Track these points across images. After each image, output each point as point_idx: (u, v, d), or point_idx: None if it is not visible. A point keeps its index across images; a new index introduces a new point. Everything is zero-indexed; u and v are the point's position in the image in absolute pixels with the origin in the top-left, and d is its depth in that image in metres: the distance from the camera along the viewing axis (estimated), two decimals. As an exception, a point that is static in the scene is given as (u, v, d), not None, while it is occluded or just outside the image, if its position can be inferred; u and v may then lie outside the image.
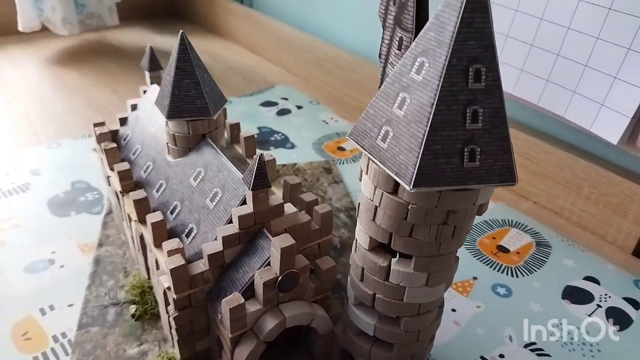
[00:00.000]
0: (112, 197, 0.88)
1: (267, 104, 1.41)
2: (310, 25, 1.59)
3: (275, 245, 0.55)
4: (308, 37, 1.55)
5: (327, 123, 1.33)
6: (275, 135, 1.26)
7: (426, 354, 0.64)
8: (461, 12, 0.41)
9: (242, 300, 0.56)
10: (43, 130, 1.22)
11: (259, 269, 0.58)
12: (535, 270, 0.87)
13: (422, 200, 0.47)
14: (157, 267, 0.67)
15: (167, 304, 0.63)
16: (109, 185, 0.83)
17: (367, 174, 0.50)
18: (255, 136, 0.80)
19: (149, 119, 0.82)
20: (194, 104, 0.69)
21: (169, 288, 0.59)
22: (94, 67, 1.57)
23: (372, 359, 0.60)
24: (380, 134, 0.47)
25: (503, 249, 0.92)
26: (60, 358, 0.67)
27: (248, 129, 0.80)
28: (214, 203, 0.64)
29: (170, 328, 0.64)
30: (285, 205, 0.61)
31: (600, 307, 0.79)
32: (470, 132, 0.44)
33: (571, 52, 0.85)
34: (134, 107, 0.88)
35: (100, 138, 0.82)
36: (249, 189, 0.56)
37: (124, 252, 0.85)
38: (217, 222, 0.62)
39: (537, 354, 0.71)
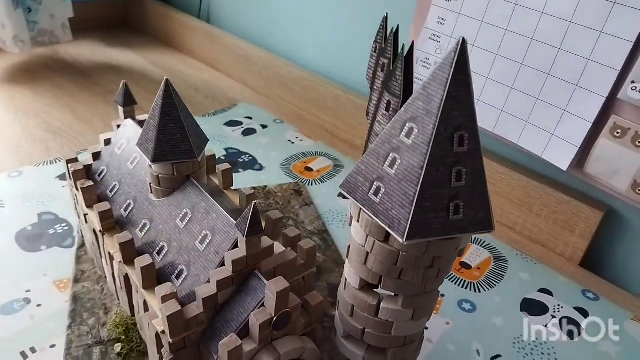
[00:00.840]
0: (86, 233, 0.88)
1: (232, 123, 1.43)
2: (270, 44, 1.62)
3: (270, 289, 0.58)
4: (270, 55, 1.57)
5: (292, 143, 1.36)
6: (243, 157, 1.28)
7: (408, 377, 0.69)
8: (447, 87, 0.45)
9: (239, 342, 0.58)
10: (1, 157, 1.18)
11: (253, 309, 0.60)
12: (495, 285, 0.94)
13: (412, 249, 0.51)
14: (146, 309, 0.68)
15: (159, 346, 0.65)
16: (85, 221, 0.83)
17: (358, 222, 0.55)
18: (223, 158, 0.82)
19: (126, 156, 0.82)
20: (179, 147, 0.70)
21: (163, 332, 0.61)
22: (49, 85, 1.52)
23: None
24: (372, 188, 0.51)
25: (465, 265, 0.99)
26: (48, 403, 0.67)
27: (215, 151, 0.82)
28: (204, 245, 0.66)
29: (164, 368, 0.66)
30: (274, 244, 0.65)
31: (555, 317, 0.87)
32: (455, 189, 0.49)
33: (524, 86, 0.93)
34: (107, 142, 0.88)
35: (75, 176, 0.82)
36: (244, 235, 0.59)
37: (102, 287, 0.85)
38: (209, 264, 0.64)
39: (503, 367, 0.78)
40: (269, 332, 0.60)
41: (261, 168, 1.24)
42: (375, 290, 0.59)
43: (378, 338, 0.59)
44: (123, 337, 0.74)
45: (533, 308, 0.89)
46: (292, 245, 0.71)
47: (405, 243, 0.48)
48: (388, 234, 0.52)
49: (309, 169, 1.25)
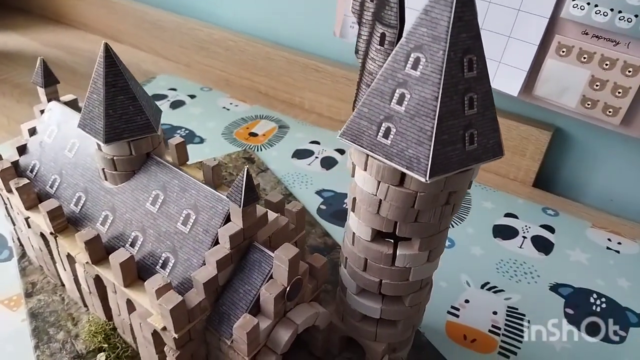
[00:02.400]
0: (27, 240, 0.76)
1: (156, 97, 1.30)
2: (181, 5, 1.48)
3: (281, 259, 0.53)
4: (182, 18, 1.44)
5: (228, 109, 1.28)
6: (179, 132, 1.18)
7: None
8: (453, 8, 0.42)
9: (256, 321, 0.54)
10: None
11: (261, 284, 0.56)
12: (465, 218, 0.96)
13: (430, 187, 0.49)
14: (131, 309, 0.61)
15: (159, 345, 0.58)
16: (28, 226, 0.71)
17: (365, 170, 0.51)
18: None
19: (60, 144, 0.71)
20: (134, 121, 0.61)
21: (164, 328, 0.54)
22: None
23: (379, 338, 0.62)
24: (381, 130, 0.48)
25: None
26: None
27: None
28: (189, 226, 0.59)
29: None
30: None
31: (526, 237, 0.91)
32: (469, 117, 0.46)
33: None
34: (32, 132, 0.75)
35: (3, 176, 0.70)
36: (240, 206, 0.53)
37: (62, 297, 0.74)
38: (200, 246, 0.58)
39: (494, 292, 0.80)
40: (282, 304, 0.56)
41: (202, 140, 1.15)
42: (387, 239, 0.57)
43: (396, 287, 0.57)
44: (105, 345, 0.66)
45: (504, 232, 0.93)
46: (278, 210, 0.66)
47: (428, 182, 0.45)
48: (402, 177, 0.49)
49: (254, 134, 1.18)
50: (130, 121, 0.61)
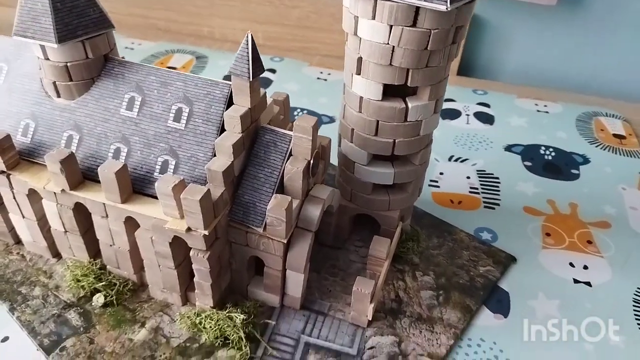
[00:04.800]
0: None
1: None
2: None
3: (303, 128, 0.50)
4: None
5: (132, 49, 1.15)
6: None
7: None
8: None
9: (289, 198, 0.50)
10: None
11: (282, 163, 0.52)
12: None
13: (443, 23, 0.49)
14: (130, 229, 0.54)
15: (177, 255, 0.52)
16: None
17: (374, 18, 0.49)
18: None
19: (-21, 70, 0.58)
20: (87, 15, 0.52)
21: (188, 229, 0.49)
22: None
23: (392, 205, 0.63)
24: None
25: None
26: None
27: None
28: (184, 121, 0.52)
29: (189, 279, 0.54)
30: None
31: (469, 115, 0.97)
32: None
33: None
34: None
35: None
36: (249, 79, 0.48)
37: (20, 254, 0.63)
38: (204, 138, 0.52)
39: (460, 161, 0.85)
40: (306, 181, 0.53)
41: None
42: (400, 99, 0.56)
43: (409, 144, 0.57)
44: (99, 285, 0.58)
45: (450, 114, 0.97)
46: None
47: (448, 9, 0.45)
48: (415, 17, 0.48)
49: (173, 68, 1.08)
50: (82, 15, 0.52)
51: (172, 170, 0.52)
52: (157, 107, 0.53)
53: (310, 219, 0.53)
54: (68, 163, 0.51)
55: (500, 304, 0.61)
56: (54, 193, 0.54)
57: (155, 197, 0.52)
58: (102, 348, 0.53)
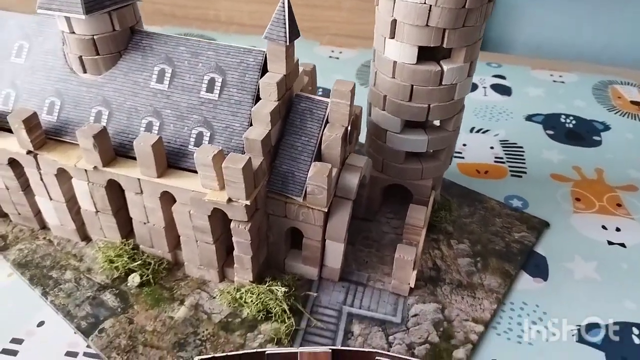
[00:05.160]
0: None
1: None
2: None
3: (341, 93, 0.49)
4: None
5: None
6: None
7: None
8: None
9: (329, 165, 0.49)
10: None
11: (320, 131, 0.51)
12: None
13: (481, -25, 0.48)
14: (166, 205, 0.52)
15: (216, 229, 0.51)
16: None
17: (409, -21, 0.48)
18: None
19: (4, 52, 0.57)
20: (112, -15, 0.51)
21: (229, 200, 0.48)
22: None
23: (425, 174, 0.62)
24: None
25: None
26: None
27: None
28: (217, 92, 0.51)
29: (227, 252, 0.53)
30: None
31: (486, 87, 0.96)
32: None
33: None
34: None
35: None
36: (286, 42, 0.47)
37: (47, 239, 0.61)
38: (239, 107, 0.51)
39: (482, 132, 0.84)
40: (343, 148, 0.52)
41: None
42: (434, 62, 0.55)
43: (443, 109, 0.56)
44: (134, 265, 0.57)
45: (464, 88, 0.97)
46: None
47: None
48: (452, -26, 0.47)
49: (181, 53, 1.06)
50: (107, -15, 0.50)
51: (207, 142, 0.51)
52: (188, 78, 0.52)
53: (349, 187, 0.52)
54: (101, 138, 0.50)
55: (538, 268, 0.61)
56: (85, 171, 0.53)
57: (191, 171, 0.51)
58: (143, 327, 0.52)
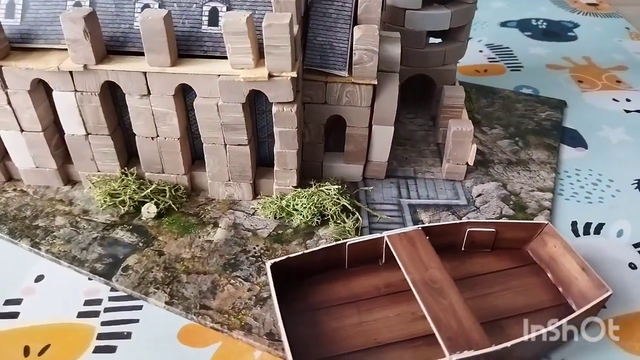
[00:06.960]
0: None
1: None
2: None
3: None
4: None
5: None
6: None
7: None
8: None
9: (376, 26, 0.43)
10: None
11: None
12: None
13: None
14: (179, 103, 0.43)
15: (249, 125, 0.43)
16: None
17: None
18: None
19: None
20: None
21: (270, 75, 0.39)
22: None
23: (447, 59, 0.57)
24: None
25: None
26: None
27: None
28: (227, -42, 0.42)
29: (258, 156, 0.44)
30: None
31: (450, 6, 0.95)
32: None
33: None
34: None
35: None
36: None
37: (20, 190, 0.49)
38: (258, -27, 0.42)
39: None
40: (381, 12, 0.46)
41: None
42: None
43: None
44: (147, 193, 0.46)
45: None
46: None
47: None
48: None
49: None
50: None
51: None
52: (187, -52, 0.43)
53: (393, 57, 0.46)
54: (91, 23, 0.39)
55: (574, 139, 0.59)
56: (72, 76, 0.41)
57: (207, 57, 0.42)
58: (178, 256, 0.42)
